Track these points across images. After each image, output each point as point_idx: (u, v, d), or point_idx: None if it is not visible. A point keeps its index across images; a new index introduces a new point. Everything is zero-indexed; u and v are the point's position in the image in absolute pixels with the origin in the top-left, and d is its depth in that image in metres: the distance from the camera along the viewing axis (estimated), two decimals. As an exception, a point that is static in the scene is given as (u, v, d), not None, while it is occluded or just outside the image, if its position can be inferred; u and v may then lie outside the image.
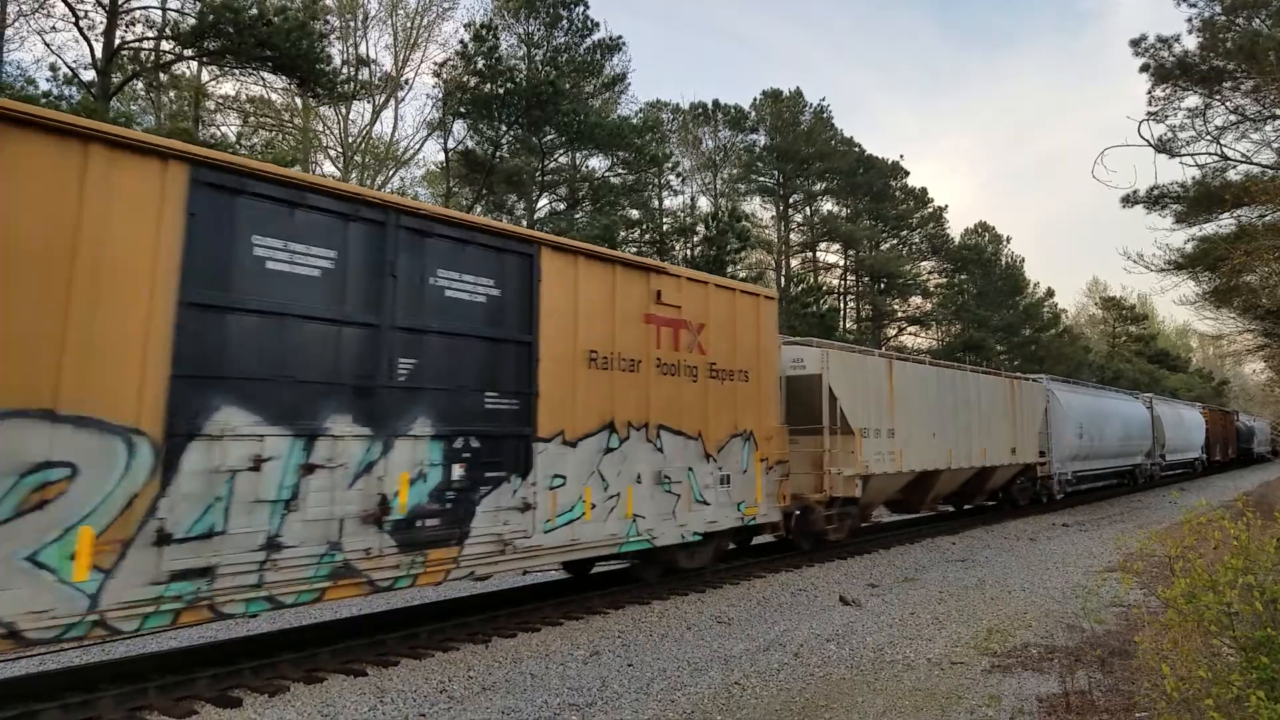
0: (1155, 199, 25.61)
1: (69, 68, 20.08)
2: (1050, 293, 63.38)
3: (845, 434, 15.04)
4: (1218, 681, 4.67)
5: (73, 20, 19.45)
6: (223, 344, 6.98)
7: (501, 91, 26.37)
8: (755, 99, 44.49)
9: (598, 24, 30.51)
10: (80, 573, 6.06)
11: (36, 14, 22.58)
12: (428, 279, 8.56)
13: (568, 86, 28.17)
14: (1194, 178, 25.01)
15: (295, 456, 7.32)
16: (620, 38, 31.14)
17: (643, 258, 11.98)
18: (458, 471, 8.63)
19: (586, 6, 29.91)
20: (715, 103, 42.35)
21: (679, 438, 11.43)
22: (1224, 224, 25.33)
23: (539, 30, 29.88)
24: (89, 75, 19.84)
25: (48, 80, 19.65)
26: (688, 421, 11.58)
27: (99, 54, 19.44)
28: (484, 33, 26.63)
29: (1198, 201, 24.86)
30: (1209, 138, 22.86)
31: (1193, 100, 22.79)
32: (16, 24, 21.43)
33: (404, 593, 11.33)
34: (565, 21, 29.99)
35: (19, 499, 5.84)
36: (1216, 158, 23.34)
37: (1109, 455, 28.77)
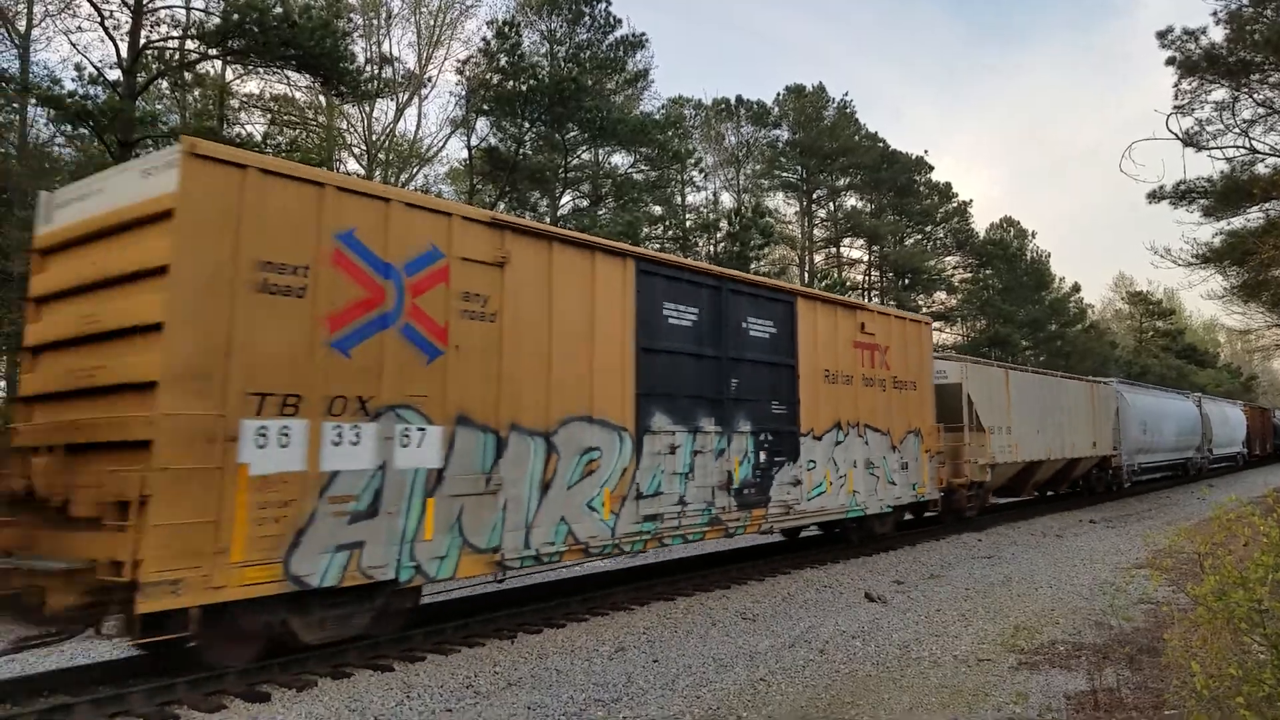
0: (1182, 194, 25.23)
1: (94, 67, 20.25)
2: (1076, 288, 62.74)
3: (978, 431, 18.93)
4: (1249, 679, 4.62)
5: (98, 20, 19.64)
6: (653, 373, 10.90)
7: (524, 88, 26.41)
8: (778, 94, 44.45)
9: (620, 20, 30.50)
10: (606, 515, 10.13)
11: (62, 14, 22.88)
12: (741, 323, 12.39)
13: (590, 83, 28.18)
14: (1222, 171, 24.61)
15: (689, 445, 11.32)
16: (643, 34, 31.16)
17: (852, 299, 16.46)
18: (762, 456, 12.50)
19: (609, 3, 29.95)
20: (738, 98, 42.31)
21: (877, 434, 15.12)
22: (1252, 218, 24.94)
23: (561, 27, 29.93)
24: (114, 75, 20.03)
25: (73, 80, 19.72)
26: (881, 421, 15.26)
27: (124, 53, 19.63)
28: (507, 30, 26.70)
29: (1225, 195, 24.47)
30: (1237, 131, 22.52)
31: (1220, 93, 22.44)
32: (43, 24, 21.71)
33: (429, 590, 11.44)
34: (587, 18, 30.03)
35: (582, 468, 9.85)
36: (1245, 151, 22.98)
37: (1167, 449, 32.70)
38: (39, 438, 7.31)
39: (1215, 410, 39.53)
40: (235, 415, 6.85)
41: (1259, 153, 22.82)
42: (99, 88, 19.47)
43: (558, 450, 9.54)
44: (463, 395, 8.59)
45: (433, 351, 8.37)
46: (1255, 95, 22.05)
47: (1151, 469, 31.19)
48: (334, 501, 7.46)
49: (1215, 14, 20.98)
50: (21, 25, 23.03)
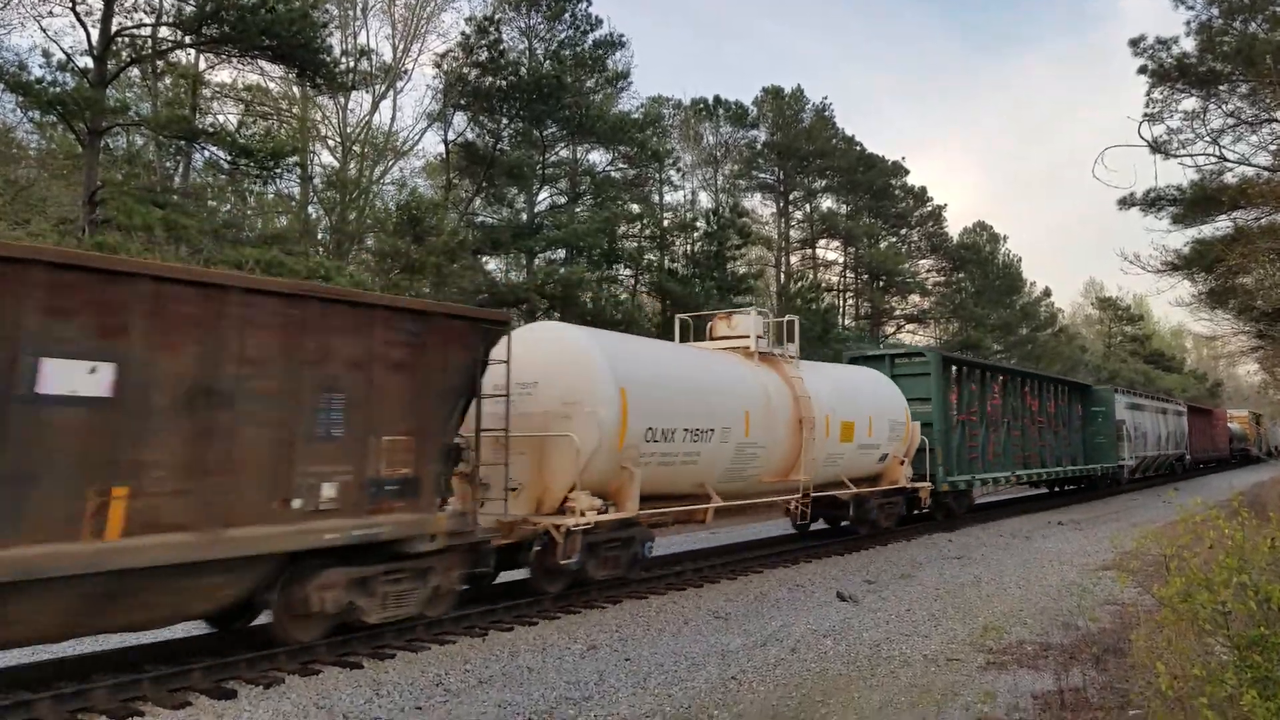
0: (1152, 201, 25.51)
1: (64, 53, 19.80)
2: (1047, 292, 63.42)
3: None
4: (1212, 680, 4.69)
5: (69, 4, 19.24)
6: None
7: (503, 84, 26.27)
8: (757, 96, 44.34)
9: (600, 20, 30.31)
10: None
11: (34, -2, 22.30)
12: None
13: (570, 81, 28.09)
14: (1191, 179, 24.90)
15: None
16: (623, 35, 30.95)
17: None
18: None
19: (589, 3, 29.77)
20: (716, 99, 42.13)
21: None
22: (1221, 226, 25.24)
23: (542, 24, 29.77)
24: (84, 62, 19.62)
25: (40, 66, 19.22)
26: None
27: (95, 40, 19.26)
28: (486, 25, 26.55)
29: (1195, 203, 24.78)
30: (1207, 139, 22.79)
31: (1190, 102, 22.72)
32: (9, 7, 21.17)
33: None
34: (568, 16, 29.87)
35: None
36: (1214, 159, 23.26)
37: None
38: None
39: None
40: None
41: (1227, 161, 23.11)
42: (68, 74, 19.09)
43: None
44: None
45: None
46: (1224, 105, 22.34)
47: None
48: None
49: (1187, 24, 21.25)
50: (-12, 10, 22.47)
